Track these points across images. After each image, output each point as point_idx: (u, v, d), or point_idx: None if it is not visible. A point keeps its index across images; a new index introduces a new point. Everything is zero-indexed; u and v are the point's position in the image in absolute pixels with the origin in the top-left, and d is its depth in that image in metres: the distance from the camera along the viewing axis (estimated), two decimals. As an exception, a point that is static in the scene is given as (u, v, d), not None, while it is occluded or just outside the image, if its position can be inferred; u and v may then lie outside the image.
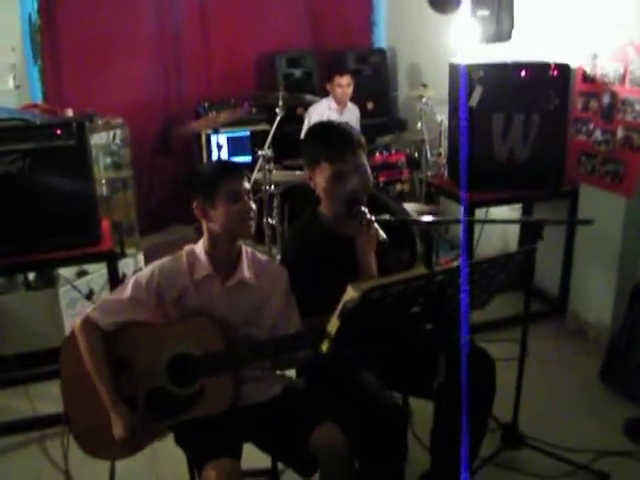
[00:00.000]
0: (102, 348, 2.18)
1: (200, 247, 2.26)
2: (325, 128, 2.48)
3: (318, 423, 2.10)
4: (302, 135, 5.54)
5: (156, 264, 2.24)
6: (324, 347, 1.74)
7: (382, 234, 2.16)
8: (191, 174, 2.55)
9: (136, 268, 4.60)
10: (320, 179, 2.37)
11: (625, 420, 3.23)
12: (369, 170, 2.40)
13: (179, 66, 6.11)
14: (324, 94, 5.64)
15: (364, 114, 5.87)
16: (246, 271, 2.26)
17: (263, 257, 2.38)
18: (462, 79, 3.68)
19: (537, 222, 2.60)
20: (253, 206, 2.22)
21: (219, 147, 4.66)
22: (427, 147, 5.28)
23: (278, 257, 4.66)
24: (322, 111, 5.53)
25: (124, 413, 2.15)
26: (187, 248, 2.29)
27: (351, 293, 1.61)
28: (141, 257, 4.69)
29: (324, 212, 2.44)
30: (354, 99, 5.69)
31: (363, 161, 2.37)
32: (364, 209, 2.26)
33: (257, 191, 4.37)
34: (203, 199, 2.22)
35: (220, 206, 2.18)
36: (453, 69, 3.97)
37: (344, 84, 5.47)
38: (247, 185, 2.24)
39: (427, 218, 2.57)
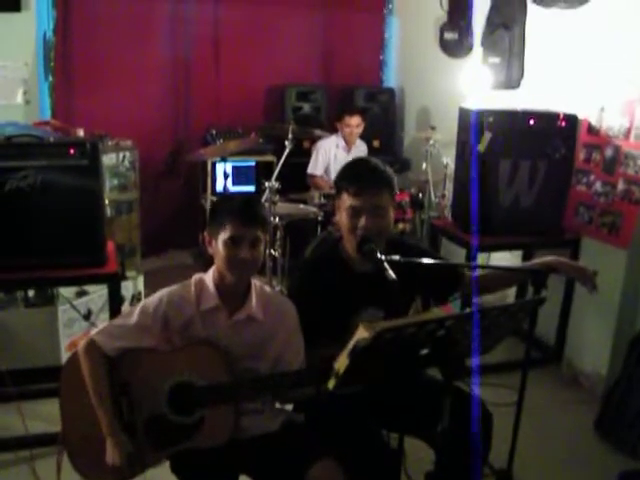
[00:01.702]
0: (105, 373, 2.16)
1: (210, 277, 2.23)
2: (358, 162, 2.53)
3: (318, 459, 2.09)
4: (309, 169, 5.58)
5: (164, 291, 2.22)
6: (331, 385, 1.73)
7: (392, 274, 2.16)
8: (218, 200, 2.52)
9: (135, 291, 4.59)
10: (341, 210, 2.39)
11: (618, 473, 3.21)
12: (390, 215, 2.40)
13: (189, 92, 6.14)
14: (333, 130, 5.68)
15: (370, 152, 5.88)
16: (254, 306, 2.23)
17: (271, 291, 2.37)
18: (474, 125, 3.71)
19: (545, 272, 2.56)
20: (250, 256, 2.13)
21: (225, 176, 4.67)
22: (431, 188, 5.32)
23: (277, 288, 4.70)
24: (330, 147, 5.57)
25: (121, 441, 2.12)
26: (196, 277, 2.26)
27: (363, 333, 1.61)
28: (141, 280, 4.68)
29: (345, 247, 2.45)
30: (362, 136, 5.72)
31: (383, 204, 2.36)
32: (374, 247, 2.27)
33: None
34: (210, 232, 2.20)
35: (219, 244, 2.15)
36: (463, 113, 4.02)
37: (353, 125, 5.49)
38: (255, 234, 2.14)
39: (428, 260, 2.54)
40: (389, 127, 6.67)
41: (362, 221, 2.32)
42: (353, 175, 2.40)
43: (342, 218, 2.40)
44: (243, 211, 2.15)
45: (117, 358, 2.19)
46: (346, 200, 2.36)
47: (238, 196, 2.26)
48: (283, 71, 6.40)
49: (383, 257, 2.21)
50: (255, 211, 2.19)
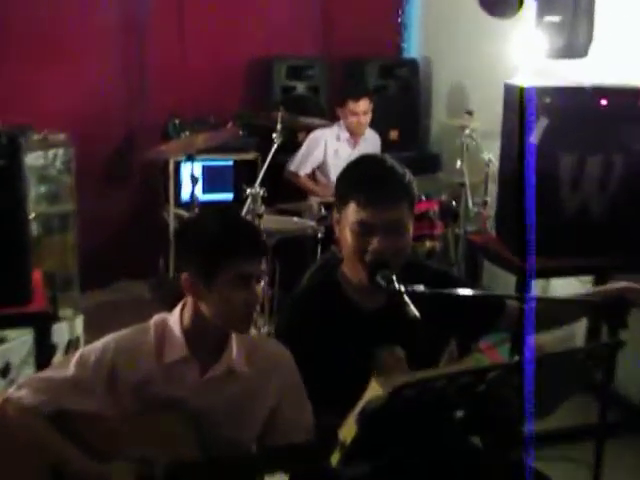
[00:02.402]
0: (39, 414, 2.14)
1: (176, 319, 2.21)
2: (369, 162, 2.55)
3: None
4: (291, 165, 5.59)
5: (111, 337, 2.20)
6: (335, 459, 1.72)
7: (413, 310, 2.16)
8: (186, 228, 2.44)
9: (72, 337, 4.58)
10: (345, 225, 2.39)
11: None
12: (410, 232, 2.41)
13: (144, 69, 6.18)
14: (335, 118, 5.71)
15: (385, 145, 5.92)
16: (235, 356, 2.22)
17: (257, 335, 2.37)
18: (525, 107, 3.71)
19: (614, 304, 2.53)
20: (259, 294, 2.18)
21: (194, 180, 4.67)
22: (468, 194, 5.33)
23: (264, 329, 4.70)
24: (328, 141, 5.62)
25: (114, 467, 2.12)
26: (157, 319, 2.24)
27: (376, 389, 1.60)
28: (80, 321, 4.67)
29: (346, 274, 2.46)
30: (374, 125, 5.75)
31: (402, 218, 2.37)
32: (390, 274, 2.27)
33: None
34: (198, 273, 2.14)
35: (219, 289, 2.12)
36: (511, 92, 4.01)
37: (360, 112, 5.51)
38: (262, 267, 2.20)
39: (467, 291, 2.53)
40: (411, 112, 6.70)
41: (374, 243, 2.32)
42: (363, 179, 2.39)
43: (345, 235, 2.40)
44: (248, 243, 2.15)
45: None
46: (352, 213, 2.35)
47: (212, 211, 2.26)
48: (270, 39, 6.44)
49: (403, 288, 2.21)
50: (256, 237, 2.22)
